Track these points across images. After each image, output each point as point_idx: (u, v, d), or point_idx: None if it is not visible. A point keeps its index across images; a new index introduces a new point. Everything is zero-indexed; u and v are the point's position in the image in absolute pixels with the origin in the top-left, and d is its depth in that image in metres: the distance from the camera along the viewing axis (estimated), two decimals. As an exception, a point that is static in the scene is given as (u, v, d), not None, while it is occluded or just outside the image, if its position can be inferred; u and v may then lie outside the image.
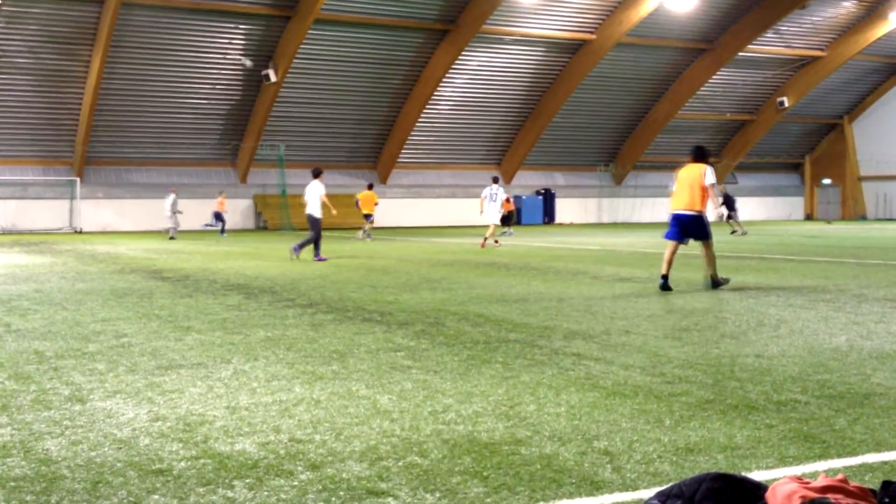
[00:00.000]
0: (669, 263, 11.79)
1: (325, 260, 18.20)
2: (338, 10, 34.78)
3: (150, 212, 38.05)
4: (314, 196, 18.92)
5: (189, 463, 4.20)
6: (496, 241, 24.62)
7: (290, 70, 35.94)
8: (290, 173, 40.04)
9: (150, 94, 36.02)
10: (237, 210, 39.82)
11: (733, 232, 30.39)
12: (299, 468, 4.10)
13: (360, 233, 29.94)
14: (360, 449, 4.40)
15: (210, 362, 6.76)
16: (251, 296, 11.46)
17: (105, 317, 9.49)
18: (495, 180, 25.54)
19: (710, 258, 11.96)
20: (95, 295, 11.76)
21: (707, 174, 11.69)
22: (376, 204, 30.10)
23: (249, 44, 35.50)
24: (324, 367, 6.53)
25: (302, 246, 18.49)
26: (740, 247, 22.51)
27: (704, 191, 11.68)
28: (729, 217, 30.98)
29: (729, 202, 30.85)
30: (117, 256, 20.46)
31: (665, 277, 11.71)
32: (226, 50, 35.58)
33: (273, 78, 35.47)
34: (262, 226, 39.88)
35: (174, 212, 30.61)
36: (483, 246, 23.13)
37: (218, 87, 36.81)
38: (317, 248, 18.50)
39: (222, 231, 33.08)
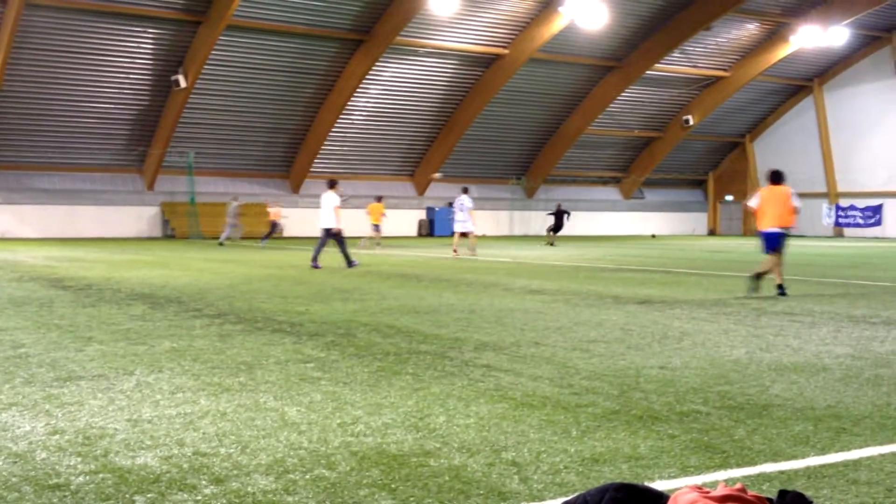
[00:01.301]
0: (779, 273, 13.16)
1: (319, 268, 18.49)
2: (250, 16, 34.33)
3: (52, 218, 36.83)
4: (329, 207, 19.14)
5: (88, 477, 4.07)
6: (458, 252, 25.03)
7: (200, 76, 35.29)
8: (200, 181, 39.28)
9: (54, 98, 34.90)
10: (143, 218, 38.87)
11: (548, 244, 32.83)
12: (203, 482, 4.02)
13: (364, 240, 30.75)
14: (266, 462, 4.34)
15: (112, 374, 6.57)
16: (157, 306, 11.19)
17: (2, 326, 9.13)
18: (465, 191, 26.48)
19: (778, 267, 13.18)
20: (-9, 304, 11.31)
21: (793, 196, 13.47)
22: (383, 214, 31.16)
23: (159, 48, 34.75)
24: (231, 378, 6.41)
25: (346, 257, 18.97)
26: (647, 261, 23.05)
27: (791, 211, 13.38)
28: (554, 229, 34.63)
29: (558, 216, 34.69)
30: (16, 264, 19.73)
31: (781, 286, 13.04)
32: (134, 54, 34.74)
33: (183, 84, 34.78)
34: (169, 234, 38.99)
35: (234, 218, 31.67)
36: (456, 254, 24.31)
37: (125, 91, 35.89)
38: (316, 254, 19.08)
39: (264, 238, 32.21)
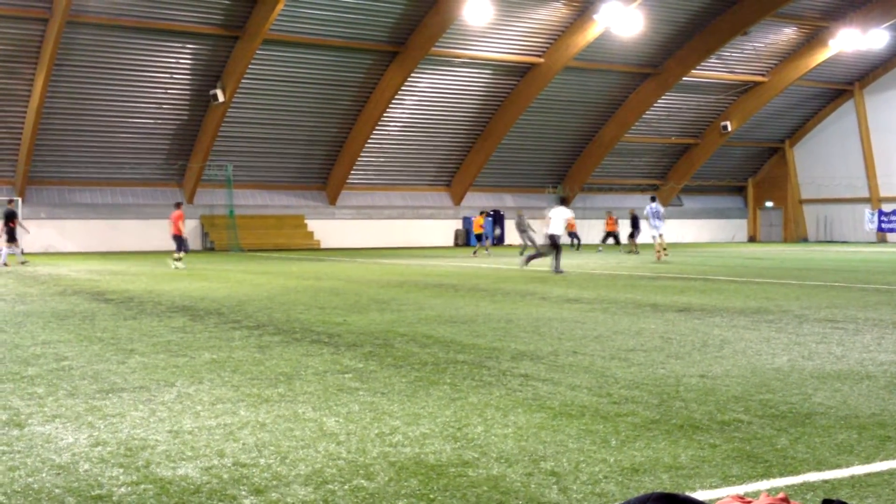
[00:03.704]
0: None
1: (563, 273, 20.40)
2: (287, 30, 34.69)
3: (94, 232, 37.42)
4: (559, 219, 21.19)
5: (130, 489, 4.11)
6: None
7: (238, 90, 35.72)
8: (238, 194, 39.71)
9: (95, 114, 35.51)
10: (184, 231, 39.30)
11: (629, 252, 31.62)
12: (243, 493, 4.04)
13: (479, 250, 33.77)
14: (305, 472, 4.35)
15: (153, 385, 6.64)
16: (197, 318, 11.30)
17: (45, 339, 9.28)
18: (653, 199, 29.71)
19: None
20: (36, 317, 11.51)
21: None
22: (482, 226, 34.00)
23: (197, 63, 35.22)
24: (270, 389, 6.45)
25: (555, 262, 20.95)
26: (686, 268, 22.84)
27: None
28: (631, 236, 34.63)
29: (634, 222, 34.79)
30: (59, 278, 20.05)
31: None
32: (173, 69, 35.25)
33: (221, 98, 35.21)
34: (209, 247, 39.42)
35: (523, 231, 33.50)
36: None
37: (164, 106, 36.42)
38: (533, 257, 22.01)
39: (492, 241, 36.61)
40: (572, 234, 34.52)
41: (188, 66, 35.33)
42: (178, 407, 5.87)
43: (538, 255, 22.17)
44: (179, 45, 34.49)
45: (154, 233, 38.37)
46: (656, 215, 27.49)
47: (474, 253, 33.31)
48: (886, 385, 6.51)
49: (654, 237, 27.93)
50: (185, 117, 36.98)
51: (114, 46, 33.52)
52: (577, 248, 36.63)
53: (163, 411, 5.74)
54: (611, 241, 37.98)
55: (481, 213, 35.08)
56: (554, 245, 21.08)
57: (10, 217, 26.57)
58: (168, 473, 4.35)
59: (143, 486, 4.14)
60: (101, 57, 33.65)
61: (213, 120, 36.48)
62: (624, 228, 37.83)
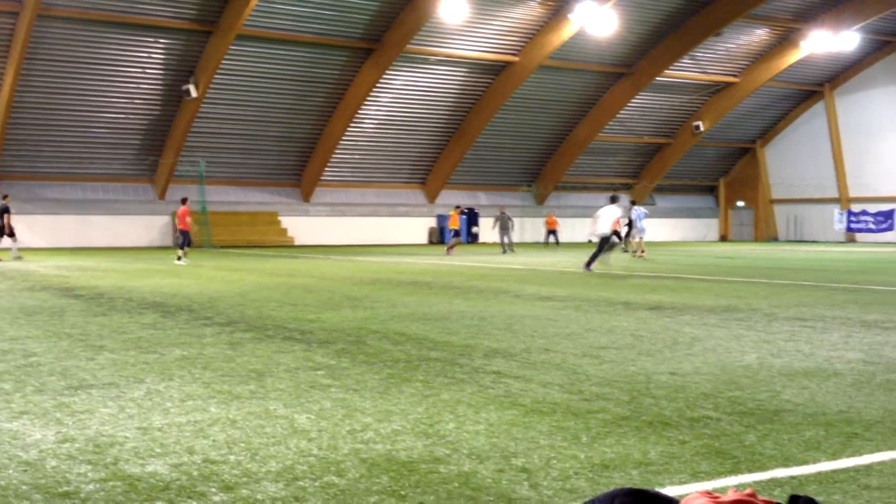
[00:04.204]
0: None
1: (591, 270, 20.59)
2: (261, 26, 34.49)
3: (64, 228, 37.00)
4: (608, 218, 21.47)
5: (98, 485, 4.08)
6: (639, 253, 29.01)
7: (211, 86, 35.46)
8: (211, 190, 39.43)
9: (66, 108, 35.11)
10: (154, 227, 39.01)
11: (634, 252, 31.09)
12: (213, 489, 4.02)
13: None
14: (276, 469, 4.34)
15: (122, 382, 6.59)
16: (168, 314, 11.22)
17: (13, 335, 9.18)
18: (633, 202, 31.77)
19: None
20: (3, 313, 11.37)
21: None
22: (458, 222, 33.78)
23: (170, 58, 34.93)
24: (241, 386, 6.42)
25: (592, 260, 21.11)
26: (658, 267, 22.99)
27: None
28: (628, 235, 32.56)
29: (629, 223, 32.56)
30: (28, 273, 19.83)
31: None
32: (145, 64, 34.93)
33: (194, 93, 34.95)
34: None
35: (504, 229, 33.70)
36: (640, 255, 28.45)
37: (136, 101, 36.09)
38: (593, 259, 21.18)
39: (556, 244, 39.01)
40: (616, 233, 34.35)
41: (161, 61, 35.03)
42: (147, 403, 5.83)
43: (598, 253, 21.47)
44: (152, 39, 34.19)
45: (124, 229, 38.05)
46: (640, 217, 29.75)
47: (450, 250, 32.11)
48: (853, 382, 6.59)
49: (639, 238, 29.81)
50: (158, 112, 36.67)
51: (85, 40, 33.17)
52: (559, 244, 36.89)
53: (132, 408, 5.70)
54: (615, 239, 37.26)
55: (456, 207, 34.81)
56: (605, 242, 21.37)
57: (4, 211, 26.66)
58: (137, 470, 4.32)
59: (111, 483, 4.11)
60: (72, 51, 33.29)
61: (185, 115, 36.21)
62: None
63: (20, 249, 28.34)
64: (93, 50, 33.59)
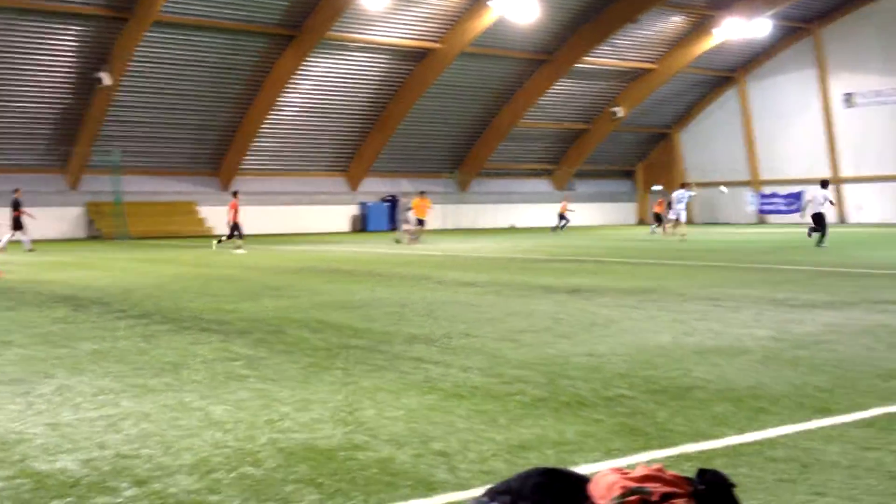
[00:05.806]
0: None
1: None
2: (177, 12, 33.69)
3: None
4: (819, 200, 24.03)
5: (4, 483, 3.96)
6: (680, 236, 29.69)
7: (126, 73, 34.54)
8: (127, 180, 38.43)
9: (-29, 96, 33.81)
10: (67, 218, 37.88)
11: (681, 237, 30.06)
12: (124, 484, 3.94)
13: (407, 237, 30.66)
14: (190, 462, 4.27)
15: (31, 378, 6.40)
16: (80, 308, 10.93)
17: (-84, 333, 8.83)
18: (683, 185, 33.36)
19: None
20: None
21: None
22: (430, 208, 32.41)
23: (82, 46, 33.89)
24: (155, 379, 6.30)
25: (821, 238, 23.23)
26: (578, 251, 23.31)
27: None
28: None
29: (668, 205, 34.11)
30: (-67, 269, 19.07)
31: None
32: (56, 51, 33.83)
33: (107, 81, 33.99)
34: (95, 235, 38.09)
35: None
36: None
37: (47, 89, 34.94)
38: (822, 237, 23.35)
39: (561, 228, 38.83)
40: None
41: (73, 49, 33.95)
42: (57, 399, 5.68)
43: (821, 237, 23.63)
44: (63, 26, 33.11)
45: (35, 220, 36.83)
46: (680, 200, 31.14)
47: (412, 239, 30.05)
48: (762, 359, 6.80)
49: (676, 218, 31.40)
50: (70, 101, 35.55)
51: (-10, 26, 31.95)
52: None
53: (41, 404, 5.55)
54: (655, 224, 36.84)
55: (420, 193, 33.08)
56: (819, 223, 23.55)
57: (17, 205, 27.40)
58: (45, 467, 4.21)
59: (18, 481, 4.00)
60: (-24, 37, 32.04)
61: (99, 104, 35.21)
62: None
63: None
64: (0, 38, 32.38)
